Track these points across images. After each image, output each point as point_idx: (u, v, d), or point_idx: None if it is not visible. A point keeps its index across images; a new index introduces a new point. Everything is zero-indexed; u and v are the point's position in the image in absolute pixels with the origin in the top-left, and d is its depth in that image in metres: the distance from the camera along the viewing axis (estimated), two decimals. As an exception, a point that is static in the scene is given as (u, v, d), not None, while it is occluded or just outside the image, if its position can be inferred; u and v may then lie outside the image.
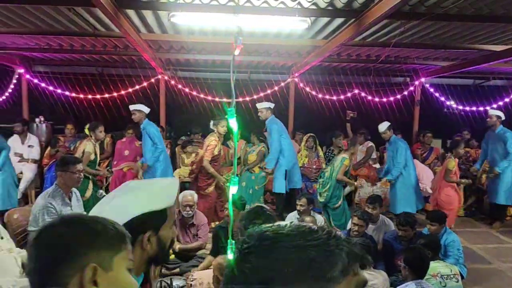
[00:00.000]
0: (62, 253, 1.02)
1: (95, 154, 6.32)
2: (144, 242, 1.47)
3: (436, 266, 3.96)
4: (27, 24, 5.88)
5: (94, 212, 1.46)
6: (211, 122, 6.75)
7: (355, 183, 7.27)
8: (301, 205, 5.45)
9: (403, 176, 6.70)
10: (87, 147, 6.18)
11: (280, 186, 6.88)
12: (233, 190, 1.55)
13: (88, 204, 5.50)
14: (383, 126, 6.79)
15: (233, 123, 1.51)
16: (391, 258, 4.64)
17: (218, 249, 4.68)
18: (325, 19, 5.38)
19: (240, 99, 8.67)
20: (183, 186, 7.13)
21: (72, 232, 1.05)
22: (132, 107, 6.72)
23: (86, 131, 6.41)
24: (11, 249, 3.48)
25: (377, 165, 8.34)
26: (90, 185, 6.01)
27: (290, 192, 7.10)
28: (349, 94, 9.13)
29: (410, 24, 5.37)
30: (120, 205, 1.46)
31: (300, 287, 0.69)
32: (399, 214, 5.25)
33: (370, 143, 8.14)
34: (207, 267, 4.66)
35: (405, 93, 9.31)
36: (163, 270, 4.85)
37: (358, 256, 0.76)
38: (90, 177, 6.06)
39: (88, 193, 5.94)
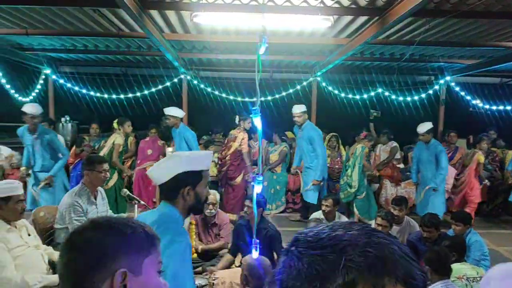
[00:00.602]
0: (92, 259, 1.03)
1: (124, 147, 6.62)
2: (185, 194, 2.04)
3: (462, 268, 3.89)
4: (53, 25, 6.01)
5: (151, 171, 2.10)
6: (237, 117, 6.78)
7: (374, 171, 7.26)
8: (326, 205, 5.39)
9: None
10: (117, 139, 6.43)
11: (313, 196, 6.69)
12: (257, 189, 1.57)
13: (109, 194, 5.62)
14: (424, 128, 6.51)
15: (258, 122, 1.53)
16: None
17: (237, 247, 4.69)
18: (348, 18, 5.33)
19: (262, 99, 8.66)
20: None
21: (102, 237, 1.05)
22: (166, 112, 6.72)
23: (115, 125, 6.59)
24: (38, 246, 3.55)
25: (401, 165, 8.23)
26: (115, 175, 6.15)
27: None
28: (372, 93, 9.02)
29: (435, 22, 5.28)
30: (168, 166, 2.05)
31: None
32: (424, 215, 5.16)
33: (394, 143, 8.04)
34: (226, 266, 4.68)
35: (430, 92, 9.14)
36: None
37: (368, 270, 0.65)
38: (117, 168, 6.22)
39: (111, 183, 6.07)
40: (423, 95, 9.07)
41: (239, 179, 7.10)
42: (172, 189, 2.04)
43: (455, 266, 3.77)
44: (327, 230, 0.73)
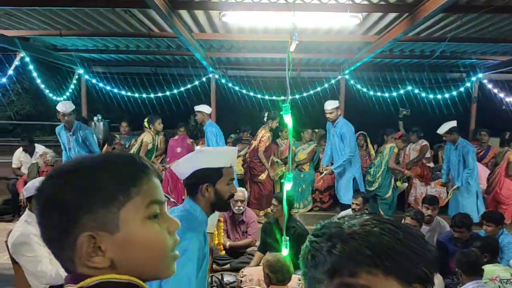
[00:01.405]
0: (53, 221, 0.79)
1: (153, 145, 6.72)
2: (203, 190, 1.98)
3: (494, 270, 3.81)
4: (86, 26, 6.16)
5: (175, 167, 2.08)
6: (265, 115, 6.79)
7: (406, 172, 7.08)
8: (356, 204, 5.34)
9: (469, 182, 6.30)
10: (146, 138, 6.61)
11: (347, 197, 6.37)
12: (288, 186, 1.59)
13: None
14: (444, 129, 6.33)
15: (288, 119, 1.55)
16: (445, 260, 4.49)
17: (266, 244, 4.72)
18: (377, 14, 5.27)
19: (290, 97, 8.63)
20: (233, 182, 7.25)
21: (59, 191, 0.79)
22: (196, 108, 7.07)
23: (145, 124, 6.72)
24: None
25: (431, 164, 8.09)
26: None
27: None
28: (401, 91, 8.89)
29: (467, 18, 5.17)
30: (188, 162, 2.02)
31: (310, 283, 0.73)
32: (454, 215, 5.07)
33: (425, 142, 7.90)
34: (258, 264, 4.71)
35: (461, 89, 8.94)
36: (214, 266, 4.94)
37: (353, 258, 0.66)
38: None
39: None
40: (454, 93, 8.88)
41: (263, 176, 7.13)
42: (192, 185, 2.01)
43: (487, 267, 3.70)
44: (333, 220, 0.78)
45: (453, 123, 6.32)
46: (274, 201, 4.74)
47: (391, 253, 0.65)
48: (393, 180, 6.61)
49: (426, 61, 8.39)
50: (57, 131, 6.44)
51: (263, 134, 6.99)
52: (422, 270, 0.66)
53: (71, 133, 6.19)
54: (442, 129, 6.35)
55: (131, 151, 6.50)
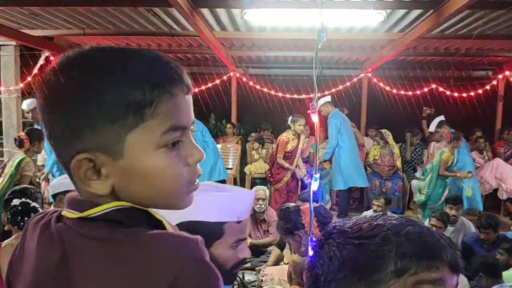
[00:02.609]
0: (51, 123, 0.67)
1: None
2: None
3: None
4: (109, 26, 6.23)
5: None
6: (289, 118, 6.70)
7: (459, 174, 6.41)
8: (378, 205, 5.28)
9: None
10: None
11: (336, 183, 6.84)
12: (314, 186, 1.55)
13: None
14: (433, 126, 6.54)
15: (315, 118, 1.51)
16: (470, 261, 4.40)
17: (285, 244, 4.69)
18: (401, 11, 5.19)
19: (311, 96, 8.57)
20: (253, 182, 7.23)
21: (58, 87, 0.65)
22: None
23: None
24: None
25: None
26: None
27: (348, 190, 6.94)
28: (425, 89, 8.73)
29: (494, 14, 5.04)
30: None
31: (339, 286, 0.69)
32: (480, 216, 4.95)
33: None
34: (276, 261, 4.69)
35: (487, 87, 8.73)
36: (235, 264, 4.93)
37: (420, 255, 0.67)
38: None
39: None
40: (480, 91, 8.68)
41: (282, 183, 6.79)
42: None
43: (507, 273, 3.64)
44: (366, 220, 0.74)
45: (441, 117, 6.52)
46: (299, 203, 4.70)
47: (443, 248, 0.70)
48: (444, 190, 6.24)
49: (451, 59, 8.23)
50: None
51: (281, 138, 6.73)
52: (460, 260, 0.73)
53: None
54: (432, 126, 6.55)
55: None
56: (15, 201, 2.68)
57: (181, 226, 1.07)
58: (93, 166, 0.65)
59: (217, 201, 1.23)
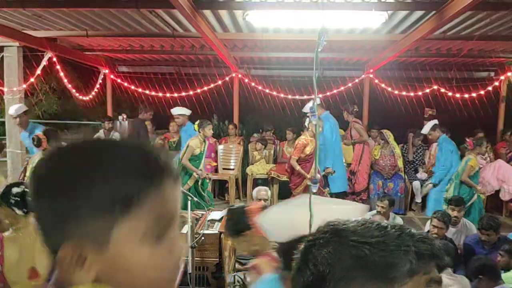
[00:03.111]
0: (42, 225, 0.68)
1: (201, 151, 6.34)
2: None
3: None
4: (112, 27, 6.25)
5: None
6: (306, 120, 6.63)
7: (479, 189, 6.29)
8: (382, 207, 5.27)
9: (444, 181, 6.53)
10: (192, 142, 6.26)
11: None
12: (313, 190, 1.56)
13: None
14: (427, 128, 6.57)
15: (315, 121, 1.52)
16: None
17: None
18: (403, 12, 5.19)
19: (313, 96, 8.58)
20: (255, 183, 7.24)
21: (48, 175, 0.66)
22: (174, 112, 6.98)
23: (196, 127, 6.54)
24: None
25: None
26: (191, 182, 6.17)
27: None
28: (427, 90, 8.73)
29: (496, 15, 5.04)
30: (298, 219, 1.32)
31: (351, 285, 0.69)
32: (482, 217, 4.94)
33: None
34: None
35: (489, 88, 8.73)
36: (237, 266, 4.94)
37: (432, 256, 0.71)
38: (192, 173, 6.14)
39: (186, 187, 6.07)
40: (482, 92, 8.68)
41: (299, 189, 6.60)
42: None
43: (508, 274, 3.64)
44: (371, 221, 0.76)
45: (435, 121, 6.66)
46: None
47: (442, 250, 0.74)
48: (470, 197, 6.11)
49: (453, 60, 8.23)
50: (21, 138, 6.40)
51: (299, 141, 6.55)
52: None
53: (28, 133, 6.08)
54: (425, 128, 6.65)
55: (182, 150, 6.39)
56: (17, 189, 2.70)
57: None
58: (79, 255, 0.64)
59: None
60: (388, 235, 0.71)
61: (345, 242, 0.72)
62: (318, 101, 6.90)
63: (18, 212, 2.68)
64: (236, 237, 2.47)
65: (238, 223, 2.40)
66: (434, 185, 6.64)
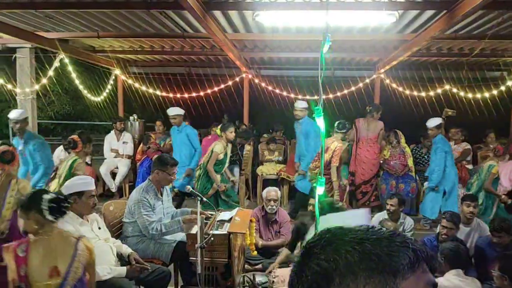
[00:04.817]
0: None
1: (225, 155, 6.21)
2: None
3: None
4: (122, 28, 6.30)
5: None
6: (339, 125, 6.50)
7: (503, 197, 6.05)
8: (391, 204, 5.21)
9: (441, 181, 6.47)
10: (216, 147, 6.07)
11: (304, 186, 6.78)
12: (320, 190, 1.56)
13: (210, 200, 5.45)
14: (433, 123, 6.44)
15: (320, 122, 1.52)
16: (483, 265, 4.35)
17: (296, 244, 4.69)
18: (414, 12, 5.15)
19: (324, 97, 8.55)
20: (265, 183, 7.23)
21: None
22: (170, 113, 6.96)
23: (218, 131, 6.40)
24: (107, 239, 3.72)
25: (470, 166, 7.85)
26: (211, 192, 6.08)
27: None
28: (439, 90, 8.66)
29: (509, 14, 4.98)
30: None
31: (357, 279, 0.70)
32: (493, 219, 4.87)
33: (468, 146, 7.63)
34: (284, 260, 4.69)
35: (502, 88, 8.63)
36: (246, 266, 4.95)
37: (426, 255, 0.73)
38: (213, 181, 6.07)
39: (211, 192, 6.06)
40: (495, 92, 8.58)
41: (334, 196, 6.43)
42: None
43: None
44: (366, 226, 0.79)
45: (440, 119, 6.59)
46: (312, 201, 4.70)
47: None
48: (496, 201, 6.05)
49: (465, 59, 8.15)
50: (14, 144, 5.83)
51: (336, 146, 6.28)
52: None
53: (22, 141, 5.87)
54: (431, 122, 6.50)
55: (200, 162, 6.36)
56: (48, 196, 2.81)
57: None
58: None
59: None
60: (383, 234, 0.75)
61: (347, 240, 0.74)
62: (305, 103, 6.86)
63: (49, 217, 2.77)
64: None
65: None
66: (432, 189, 6.51)
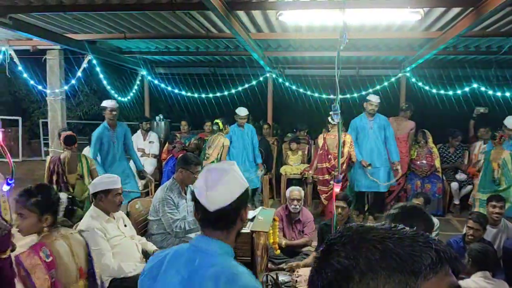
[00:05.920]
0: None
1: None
2: (244, 216, 1.65)
3: None
4: (149, 29, 6.40)
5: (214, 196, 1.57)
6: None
7: None
8: (417, 203, 5.16)
9: None
10: (225, 142, 6.50)
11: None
12: (336, 187, 1.56)
13: None
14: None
15: (337, 120, 1.52)
16: (512, 267, 4.25)
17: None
18: (440, 9, 5.06)
19: (348, 96, 8.51)
20: (289, 183, 7.23)
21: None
22: (244, 113, 7.27)
23: (220, 125, 6.67)
24: (133, 236, 3.80)
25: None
26: None
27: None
28: (467, 89, 8.47)
29: (539, 10, 4.86)
30: (226, 186, 1.58)
31: (377, 278, 0.69)
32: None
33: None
34: (310, 263, 4.69)
35: (533, 86, 8.40)
36: (269, 265, 4.96)
37: (450, 257, 0.72)
38: None
39: None
40: (525, 90, 8.34)
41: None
42: (230, 216, 1.62)
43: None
44: (389, 224, 0.78)
45: None
46: (342, 203, 4.67)
47: None
48: None
49: (493, 57, 7.96)
50: (98, 135, 6.07)
51: (349, 138, 6.71)
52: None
53: (113, 131, 6.19)
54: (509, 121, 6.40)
55: (212, 156, 6.51)
56: (63, 195, 2.85)
57: (240, 196, 1.60)
58: None
59: (240, 174, 1.68)
60: (406, 233, 0.74)
61: (368, 238, 0.74)
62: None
63: (59, 219, 2.82)
64: None
65: None
66: None
